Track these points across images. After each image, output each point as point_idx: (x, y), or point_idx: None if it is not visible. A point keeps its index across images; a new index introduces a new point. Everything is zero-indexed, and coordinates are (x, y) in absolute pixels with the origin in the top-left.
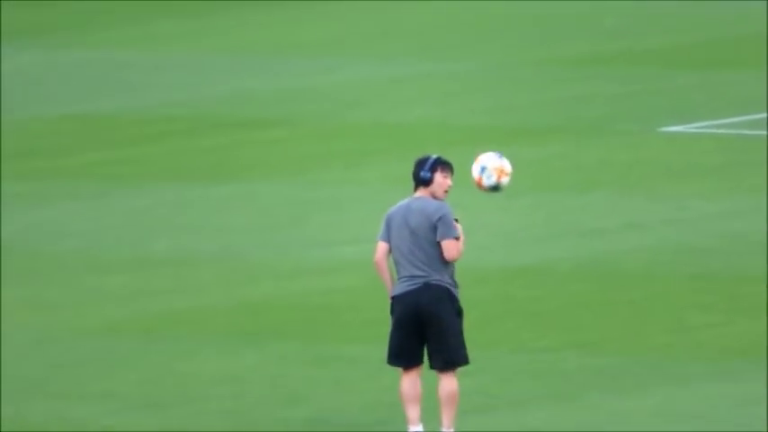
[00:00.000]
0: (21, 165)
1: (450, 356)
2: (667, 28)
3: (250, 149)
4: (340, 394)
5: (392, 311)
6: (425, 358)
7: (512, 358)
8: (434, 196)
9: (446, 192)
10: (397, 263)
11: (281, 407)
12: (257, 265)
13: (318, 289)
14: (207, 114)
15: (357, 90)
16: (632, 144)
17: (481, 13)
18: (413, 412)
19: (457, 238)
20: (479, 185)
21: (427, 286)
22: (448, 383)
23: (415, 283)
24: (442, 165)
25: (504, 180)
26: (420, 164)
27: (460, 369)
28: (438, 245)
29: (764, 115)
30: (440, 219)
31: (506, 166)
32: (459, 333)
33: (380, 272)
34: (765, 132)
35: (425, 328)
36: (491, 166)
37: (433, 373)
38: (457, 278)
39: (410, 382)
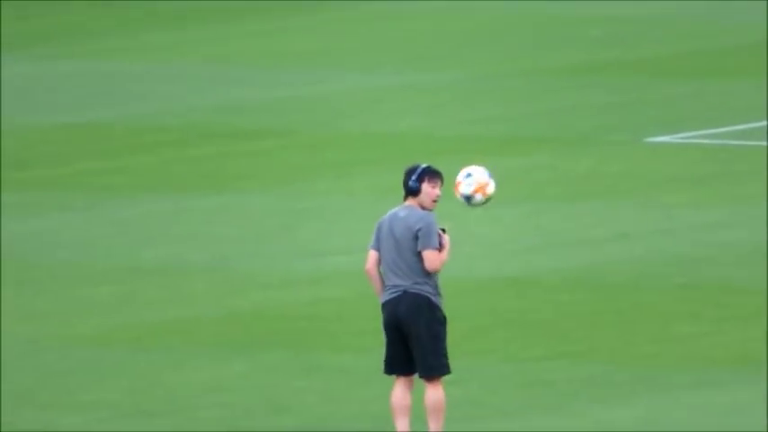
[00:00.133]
0: (12, 175)
1: (428, 365)
2: (655, 38)
3: (240, 160)
4: (329, 404)
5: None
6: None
7: (500, 368)
8: (422, 206)
9: (434, 201)
10: (383, 272)
11: (270, 416)
12: (247, 275)
13: (308, 299)
14: (197, 125)
15: (346, 100)
16: (620, 154)
17: (469, 23)
18: (401, 424)
19: (438, 250)
20: (456, 189)
21: (406, 295)
22: (433, 393)
23: (395, 292)
24: (430, 174)
25: (479, 197)
26: (409, 173)
27: (447, 378)
28: (420, 255)
29: (752, 125)
30: (420, 229)
31: (490, 187)
32: (437, 341)
33: (371, 280)
34: (754, 143)
35: (406, 337)
36: (476, 178)
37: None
38: (441, 287)
39: (400, 392)
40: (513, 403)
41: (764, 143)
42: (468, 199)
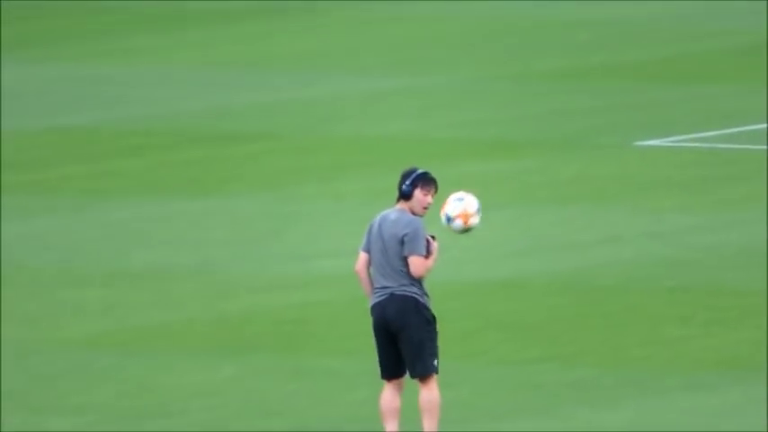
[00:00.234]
0: None
1: (419, 365)
2: (644, 42)
3: (228, 163)
4: (317, 407)
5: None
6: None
7: (489, 371)
8: (413, 211)
9: (425, 208)
10: (372, 273)
11: (259, 419)
12: (235, 279)
13: (296, 302)
14: (185, 128)
15: (335, 104)
16: (609, 158)
17: (459, 27)
18: (391, 426)
19: (425, 256)
20: (443, 206)
21: (393, 297)
22: (427, 393)
23: (382, 294)
24: (424, 181)
25: (459, 222)
26: (404, 176)
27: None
28: (406, 259)
29: (741, 129)
30: (407, 234)
31: (474, 219)
32: (427, 342)
33: (361, 282)
34: (741, 146)
35: (396, 339)
36: (465, 205)
37: (415, 385)
38: (428, 288)
39: (390, 395)
40: (503, 406)
41: (752, 147)
42: (449, 220)
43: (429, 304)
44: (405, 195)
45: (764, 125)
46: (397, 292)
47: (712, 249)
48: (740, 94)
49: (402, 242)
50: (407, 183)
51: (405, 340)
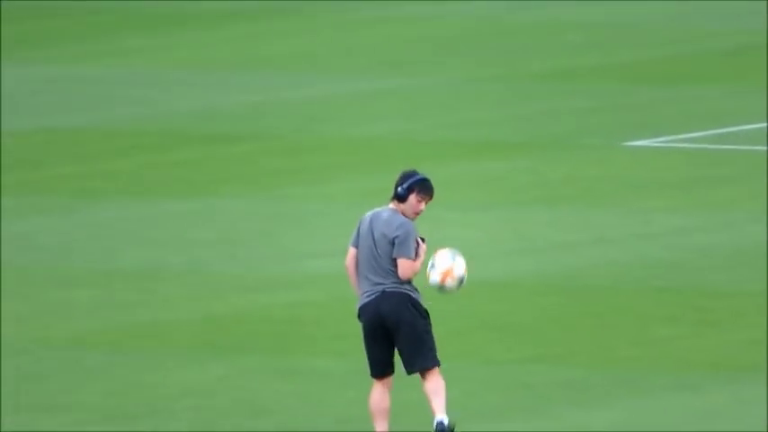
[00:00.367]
0: None
1: (420, 359)
2: (632, 43)
3: (217, 164)
4: (306, 407)
5: (360, 322)
6: (397, 367)
7: (479, 371)
8: (404, 214)
9: (416, 214)
10: (359, 267)
11: (248, 419)
12: (224, 279)
13: (285, 303)
14: (174, 129)
15: (323, 105)
16: (598, 158)
17: (447, 28)
18: (380, 426)
19: (413, 259)
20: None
21: (385, 294)
22: (432, 380)
23: (374, 293)
24: (420, 188)
25: (449, 282)
26: (403, 177)
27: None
28: (395, 260)
29: (730, 129)
30: (397, 237)
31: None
32: (424, 335)
33: (350, 277)
34: (731, 147)
35: (392, 335)
36: (439, 266)
37: (406, 383)
38: (416, 285)
39: (379, 395)
40: (493, 406)
41: (742, 147)
42: (441, 288)
43: (421, 300)
44: (399, 197)
45: (754, 126)
46: (389, 290)
47: (701, 250)
48: (729, 94)
49: (392, 243)
50: (404, 186)
51: (403, 336)
